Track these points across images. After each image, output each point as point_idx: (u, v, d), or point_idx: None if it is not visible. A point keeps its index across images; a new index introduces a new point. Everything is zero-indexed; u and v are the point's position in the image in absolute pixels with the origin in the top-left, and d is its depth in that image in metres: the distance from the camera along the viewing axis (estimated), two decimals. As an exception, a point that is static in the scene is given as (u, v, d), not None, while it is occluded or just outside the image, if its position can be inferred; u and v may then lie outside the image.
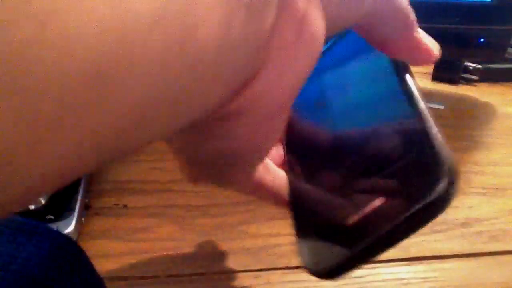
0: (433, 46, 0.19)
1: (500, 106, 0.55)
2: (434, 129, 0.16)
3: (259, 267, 0.31)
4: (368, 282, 0.31)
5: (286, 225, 0.35)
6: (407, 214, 0.15)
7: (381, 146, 0.18)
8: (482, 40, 0.51)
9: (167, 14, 0.10)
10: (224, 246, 0.33)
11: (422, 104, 0.17)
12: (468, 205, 0.39)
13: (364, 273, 0.32)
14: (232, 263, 0.32)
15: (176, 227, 0.34)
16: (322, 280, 0.17)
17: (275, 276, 0.31)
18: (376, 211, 0.16)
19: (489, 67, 0.58)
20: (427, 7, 0.48)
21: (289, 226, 0.35)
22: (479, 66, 0.56)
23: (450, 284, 0.32)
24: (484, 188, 0.41)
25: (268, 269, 0.31)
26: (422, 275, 0.32)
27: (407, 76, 0.19)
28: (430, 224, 0.39)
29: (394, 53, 0.19)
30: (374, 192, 0.17)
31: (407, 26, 0.18)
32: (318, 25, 0.14)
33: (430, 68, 0.57)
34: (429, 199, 0.14)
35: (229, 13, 0.11)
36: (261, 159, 0.19)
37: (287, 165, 0.22)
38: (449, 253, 0.34)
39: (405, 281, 0.32)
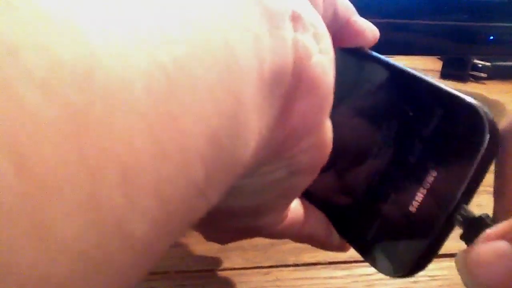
0: (370, 28, 0.20)
1: (509, 103, 0.54)
2: (447, 87, 0.17)
3: (268, 264, 0.31)
4: (377, 279, 0.31)
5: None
6: (469, 174, 0.15)
7: (409, 124, 0.18)
8: (491, 37, 0.51)
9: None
10: (233, 243, 0.33)
11: (424, 76, 0.17)
12: (477, 203, 0.39)
13: (372, 270, 0.32)
14: (241, 259, 0.32)
15: (185, 224, 0.34)
16: (403, 278, 0.17)
17: (285, 273, 0.31)
18: (436, 185, 0.16)
19: (498, 65, 0.58)
20: (437, 4, 0.48)
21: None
22: (488, 63, 0.56)
23: (459, 282, 0.31)
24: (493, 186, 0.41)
25: (278, 266, 0.31)
26: (431, 273, 0.32)
27: (380, 56, 0.19)
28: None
29: (342, 40, 0.19)
30: (425, 169, 0.16)
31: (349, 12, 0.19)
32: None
33: (438, 66, 0.56)
34: (482, 148, 0.15)
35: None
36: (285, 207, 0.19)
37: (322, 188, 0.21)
38: (458, 251, 0.34)
39: (413, 278, 0.32)
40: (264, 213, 0.19)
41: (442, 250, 0.34)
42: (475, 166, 0.15)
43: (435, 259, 0.34)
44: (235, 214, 0.18)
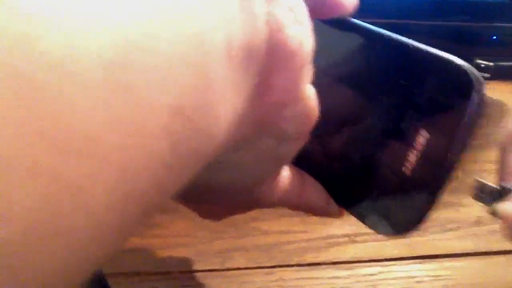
0: None
1: (512, 104, 0.54)
2: (432, 49, 0.17)
3: (271, 264, 0.31)
4: (380, 280, 0.31)
5: (297, 223, 0.36)
6: (459, 132, 0.15)
7: (398, 88, 0.18)
8: (494, 37, 0.51)
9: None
10: (236, 243, 0.33)
11: (403, 39, 0.18)
12: (481, 203, 0.39)
13: (376, 271, 0.32)
14: (244, 259, 0.32)
15: (189, 224, 0.34)
16: (400, 237, 0.17)
17: (288, 273, 0.31)
18: (428, 146, 0.16)
19: (500, 65, 0.57)
20: (440, 4, 0.48)
21: (300, 223, 0.35)
22: (491, 63, 0.56)
23: (462, 283, 0.32)
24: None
25: (281, 266, 0.31)
26: (435, 273, 0.32)
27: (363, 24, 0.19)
28: (442, 223, 0.39)
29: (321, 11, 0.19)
30: (416, 130, 0.17)
31: None
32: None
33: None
34: (470, 106, 0.15)
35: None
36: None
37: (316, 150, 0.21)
38: (461, 252, 0.34)
39: (417, 279, 0.32)
40: (257, 184, 0.19)
41: (444, 251, 0.35)
42: (464, 124, 0.15)
43: (438, 260, 0.34)
44: (228, 188, 0.19)
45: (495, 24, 0.50)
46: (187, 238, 0.33)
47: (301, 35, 0.15)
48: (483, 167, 0.43)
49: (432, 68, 0.17)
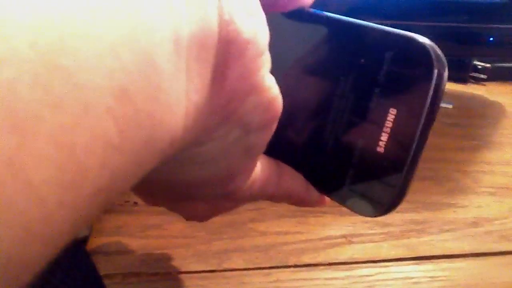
0: None
1: (509, 105, 0.54)
2: (391, 29, 0.17)
3: (269, 265, 0.32)
4: (377, 280, 0.32)
5: (295, 224, 0.36)
6: (425, 107, 0.16)
7: (362, 70, 0.18)
8: (491, 39, 0.51)
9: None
10: (234, 243, 0.33)
11: (367, 23, 0.18)
12: (477, 204, 0.39)
13: (373, 271, 0.32)
14: (242, 260, 0.32)
15: (187, 225, 0.34)
16: (381, 216, 0.18)
17: (285, 273, 0.31)
18: (397, 123, 0.17)
19: (498, 66, 0.58)
20: (437, 5, 0.48)
21: (298, 225, 0.35)
22: (488, 65, 0.56)
23: (459, 283, 0.32)
24: (493, 187, 0.41)
25: (278, 267, 0.31)
26: (432, 274, 0.32)
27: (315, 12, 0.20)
28: (439, 224, 0.39)
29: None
30: (385, 110, 0.17)
31: None
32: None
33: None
34: (433, 81, 0.16)
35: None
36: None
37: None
38: (458, 253, 0.34)
39: (414, 280, 0.32)
40: (232, 178, 0.19)
41: (441, 252, 0.35)
42: (429, 98, 0.16)
43: (435, 260, 0.34)
44: (202, 185, 0.19)
45: (492, 26, 0.50)
46: (185, 239, 0.33)
47: (254, 25, 0.15)
48: (480, 168, 0.43)
49: (394, 47, 0.17)
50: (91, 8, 0.10)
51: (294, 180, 0.21)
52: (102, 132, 0.10)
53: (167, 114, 0.13)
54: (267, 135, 0.18)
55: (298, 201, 0.22)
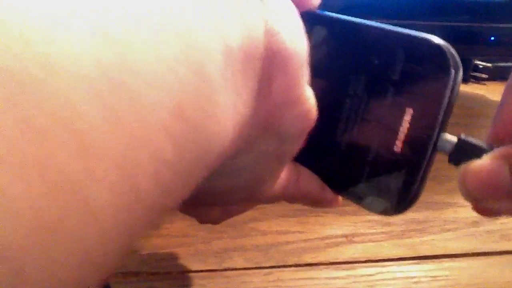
0: None
1: (510, 104, 0.54)
2: (406, 30, 0.18)
3: (269, 264, 0.31)
4: (378, 280, 0.31)
5: (296, 223, 0.36)
6: (443, 106, 0.16)
7: (379, 71, 0.19)
8: (492, 38, 0.51)
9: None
10: (235, 243, 0.33)
11: (381, 25, 0.18)
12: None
13: (374, 271, 0.32)
14: (243, 260, 0.32)
15: (188, 224, 0.34)
16: (397, 214, 0.18)
17: (286, 273, 0.31)
18: (414, 122, 0.17)
19: (499, 66, 0.58)
20: (438, 4, 0.48)
21: (298, 224, 0.35)
22: (489, 64, 0.56)
23: (460, 283, 0.32)
24: (494, 187, 0.41)
25: (279, 267, 0.31)
26: (433, 274, 0.32)
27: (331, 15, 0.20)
28: (440, 223, 0.39)
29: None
30: (401, 110, 0.18)
31: None
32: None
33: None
34: (450, 81, 0.16)
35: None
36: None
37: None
38: (459, 252, 0.34)
39: (415, 279, 0.32)
40: (260, 184, 0.19)
41: (442, 251, 0.35)
42: (446, 98, 0.16)
43: (436, 260, 0.34)
44: (229, 192, 0.19)
45: (493, 25, 0.50)
46: (185, 238, 0.33)
47: (297, 35, 0.15)
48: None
49: (409, 47, 0.17)
50: (149, 26, 0.10)
51: (310, 181, 0.21)
52: (157, 151, 0.10)
53: (217, 127, 0.12)
54: (300, 143, 0.18)
55: (314, 202, 0.22)
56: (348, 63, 0.20)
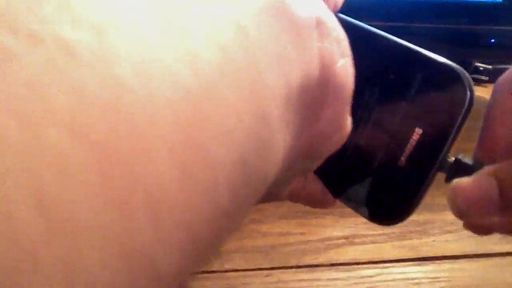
0: None
1: (511, 106, 0.54)
2: (426, 51, 0.18)
3: (270, 266, 0.32)
4: (379, 281, 0.32)
5: (296, 225, 0.36)
6: (453, 129, 0.17)
7: (393, 87, 0.19)
8: (492, 40, 0.51)
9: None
10: (236, 244, 0.33)
11: (402, 41, 0.19)
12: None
13: (374, 272, 0.32)
14: (244, 261, 0.32)
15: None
16: (391, 226, 0.18)
17: (287, 274, 0.31)
18: (422, 141, 0.18)
19: (499, 68, 0.58)
20: (438, 7, 0.48)
21: (299, 226, 0.35)
22: (489, 66, 0.56)
23: (460, 284, 0.32)
24: (495, 188, 0.41)
25: (280, 268, 0.31)
26: (433, 275, 0.32)
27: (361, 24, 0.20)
28: (441, 225, 0.39)
29: None
30: (411, 127, 0.18)
31: None
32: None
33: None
34: (464, 106, 0.17)
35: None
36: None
37: None
38: (460, 253, 0.34)
39: (416, 280, 0.32)
40: (280, 193, 0.20)
41: (443, 253, 0.35)
42: (458, 122, 0.17)
43: (436, 261, 0.34)
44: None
45: (494, 27, 0.50)
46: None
47: (348, 67, 0.15)
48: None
49: (425, 68, 0.18)
50: (218, 69, 0.10)
51: (315, 183, 0.22)
52: (220, 205, 0.10)
53: (270, 166, 0.12)
54: (325, 159, 0.18)
55: (313, 202, 0.22)
56: (364, 72, 0.20)
